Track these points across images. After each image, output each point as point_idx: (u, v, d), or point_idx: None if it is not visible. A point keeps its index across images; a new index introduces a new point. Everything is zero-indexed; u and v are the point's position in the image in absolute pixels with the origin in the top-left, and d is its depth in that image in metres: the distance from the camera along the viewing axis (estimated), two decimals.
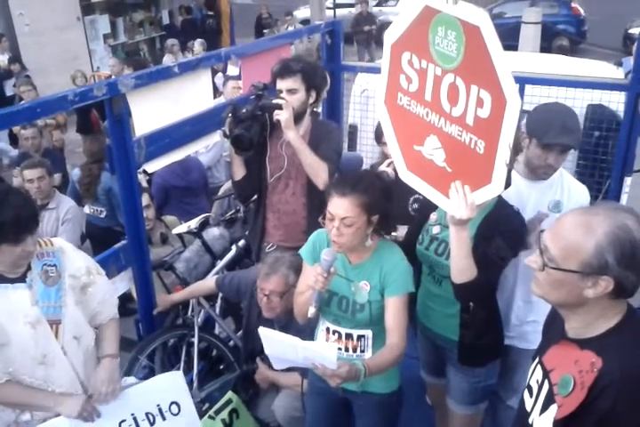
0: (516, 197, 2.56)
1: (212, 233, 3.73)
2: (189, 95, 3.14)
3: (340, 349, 2.39)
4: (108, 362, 2.44)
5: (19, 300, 2.23)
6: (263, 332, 2.27)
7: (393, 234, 2.61)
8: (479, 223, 2.33)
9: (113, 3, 12.67)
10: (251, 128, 2.96)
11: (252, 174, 3.17)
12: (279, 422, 3.07)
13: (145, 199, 3.67)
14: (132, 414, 2.45)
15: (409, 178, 2.34)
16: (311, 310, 2.23)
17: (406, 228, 2.73)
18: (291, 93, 3.01)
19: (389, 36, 2.27)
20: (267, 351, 2.36)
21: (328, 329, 2.44)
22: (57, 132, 6.91)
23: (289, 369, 2.83)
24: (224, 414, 3.01)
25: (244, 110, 2.98)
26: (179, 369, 3.15)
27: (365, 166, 4.08)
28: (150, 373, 3.10)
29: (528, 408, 1.64)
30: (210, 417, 2.95)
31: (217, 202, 4.45)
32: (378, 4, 17.47)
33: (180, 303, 3.40)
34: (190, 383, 3.08)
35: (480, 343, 2.50)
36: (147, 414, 2.48)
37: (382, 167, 3.02)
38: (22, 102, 5.96)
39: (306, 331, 2.54)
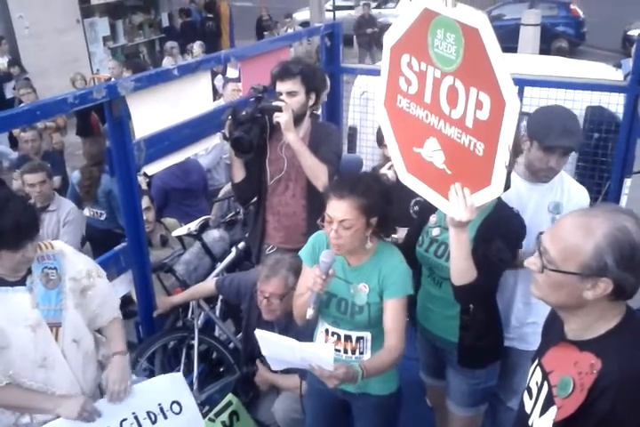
0: (517, 200, 2.56)
1: (212, 235, 3.73)
2: (189, 98, 3.14)
3: (338, 351, 2.39)
4: (117, 360, 2.46)
5: (19, 303, 2.23)
6: (259, 334, 2.27)
7: (394, 236, 2.61)
8: (479, 225, 2.33)
9: (112, 5, 12.67)
10: (250, 130, 2.96)
11: (251, 177, 3.17)
12: (279, 425, 3.07)
13: (145, 202, 3.67)
14: (134, 413, 2.46)
15: (408, 180, 2.34)
16: (309, 312, 2.23)
17: (406, 230, 2.74)
18: (290, 96, 3.01)
19: (389, 39, 2.27)
20: (264, 353, 2.36)
21: (327, 331, 2.44)
22: (57, 134, 6.91)
23: (288, 371, 2.83)
24: (224, 417, 3.01)
25: (243, 113, 2.98)
26: (179, 371, 3.15)
27: (365, 168, 4.09)
28: (150, 375, 3.10)
29: (528, 410, 1.64)
30: (210, 420, 2.95)
31: (217, 204, 4.45)
32: (377, 7, 17.49)
33: (180, 306, 3.40)
34: (190, 386, 3.07)
35: (480, 345, 2.50)
36: (148, 412, 2.50)
37: (384, 170, 3.03)
38: (22, 105, 5.95)
39: (306, 333, 2.54)
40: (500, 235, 2.28)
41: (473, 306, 2.42)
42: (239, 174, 3.15)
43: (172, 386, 2.61)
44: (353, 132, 4.65)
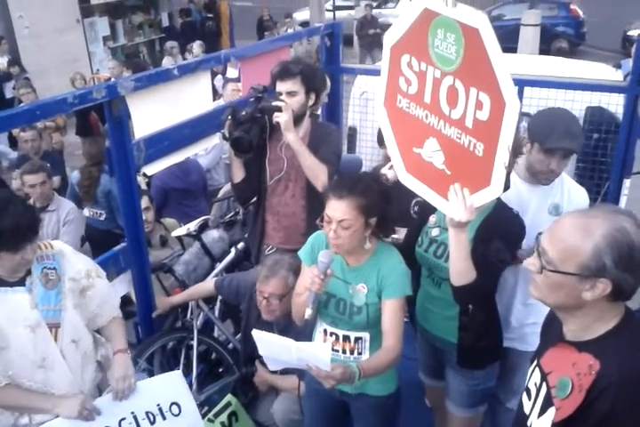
0: (517, 201, 2.55)
1: (212, 235, 3.73)
2: (189, 98, 3.14)
3: (337, 351, 2.39)
4: (119, 358, 2.47)
5: (18, 303, 2.23)
6: (256, 334, 2.27)
7: (394, 237, 2.60)
8: (478, 226, 2.33)
9: (112, 5, 12.67)
10: (250, 130, 2.96)
11: (251, 177, 3.17)
12: (278, 425, 3.06)
13: (144, 202, 3.67)
14: (132, 413, 2.46)
15: (408, 180, 2.34)
16: (308, 312, 2.23)
17: (406, 230, 2.73)
18: (290, 96, 3.01)
19: (389, 39, 2.27)
20: (261, 353, 2.36)
21: (325, 331, 2.44)
22: (56, 134, 6.91)
23: (287, 372, 2.83)
24: (223, 417, 3.00)
25: (243, 113, 2.98)
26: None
27: (365, 169, 4.08)
28: (149, 376, 3.09)
29: (526, 411, 1.64)
30: (209, 420, 2.95)
31: (216, 204, 4.45)
32: (377, 7, 17.47)
33: (180, 306, 3.40)
34: (189, 386, 3.07)
35: (479, 346, 2.49)
36: (147, 413, 2.50)
37: (384, 170, 3.03)
38: (22, 105, 5.95)
39: (305, 333, 2.54)
40: (499, 235, 2.28)
41: (472, 307, 2.42)
42: (239, 174, 3.14)
43: (171, 386, 2.61)
44: (353, 133, 4.65)
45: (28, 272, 2.27)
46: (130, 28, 13.41)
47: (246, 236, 3.66)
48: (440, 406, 2.84)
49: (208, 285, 3.34)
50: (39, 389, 2.29)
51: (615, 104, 3.70)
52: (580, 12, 15.37)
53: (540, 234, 1.54)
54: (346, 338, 2.39)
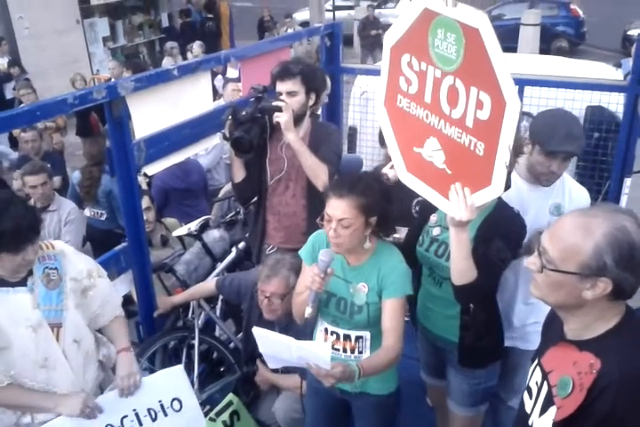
0: (518, 201, 2.55)
1: (213, 235, 3.74)
2: (189, 98, 3.14)
3: (337, 350, 2.40)
4: (123, 357, 2.48)
5: (20, 303, 2.24)
6: (257, 331, 2.28)
7: (395, 236, 2.61)
8: (479, 225, 2.33)
9: (112, 6, 12.67)
10: (250, 130, 2.96)
11: (251, 177, 3.17)
12: (279, 424, 3.07)
13: (145, 202, 3.67)
14: (134, 410, 2.47)
15: (409, 180, 2.35)
16: (308, 311, 2.24)
17: (407, 230, 2.74)
18: (290, 96, 3.01)
19: (389, 39, 2.27)
20: (261, 351, 2.37)
21: (326, 330, 2.44)
22: (57, 134, 6.92)
23: (289, 371, 2.84)
24: (225, 416, 3.01)
25: (243, 113, 2.98)
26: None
27: (365, 168, 4.09)
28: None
29: (528, 410, 1.64)
30: (211, 419, 2.95)
31: (217, 204, 4.45)
32: (377, 7, 17.48)
33: (181, 306, 3.40)
34: (191, 385, 3.08)
35: (480, 345, 2.50)
36: (148, 409, 2.51)
37: (385, 169, 3.03)
38: (22, 105, 5.95)
39: (306, 333, 2.54)
40: (500, 235, 2.28)
41: (473, 306, 2.42)
42: (239, 174, 3.15)
43: (172, 381, 2.62)
44: (353, 133, 4.65)
45: (30, 272, 2.27)
46: (130, 29, 13.41)
47: (247, 235, 3.66)
48: (441, 406, 2.84)
49: (209, 284, 3.34)
50: (41, 388, 2.29)
51: (615, 103, 3.70)
52: (580, 12, 15.38)
53: (540, 233, 1.54)
54: (346, 337, 2.40)
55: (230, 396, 3.10)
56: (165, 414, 2.54)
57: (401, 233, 2.77)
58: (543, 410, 1.55)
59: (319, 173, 2.98)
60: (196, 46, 9.62)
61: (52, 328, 2.27)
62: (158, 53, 13.57)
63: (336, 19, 13.83)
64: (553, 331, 1.65)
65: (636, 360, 1.43)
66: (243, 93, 3.79)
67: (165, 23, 14.37)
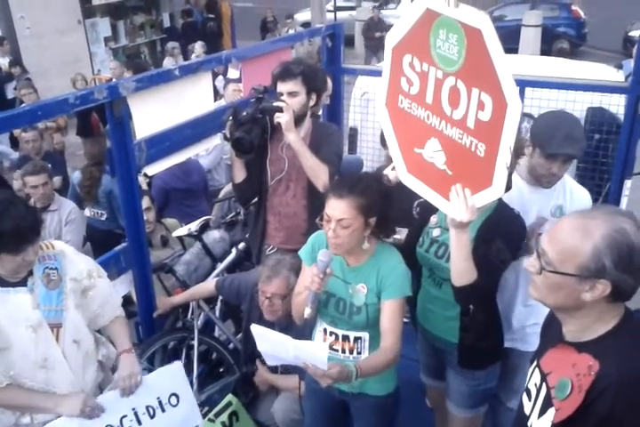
0: (519, 203, 2.55)
1: (213, 236, 3.73)
2: (190, 98, 3.14)
3: (336, 350, 2.40)
4: (124, 358, 2.48)
5: (20, 303, 2.24)
6: (255, 329, 2.28)
7: (395, 237, 2.60)
8: (479, 226, 2.33)
9: (114, 6, 12.67)
10: (251, 131, 2.96)
11: (252, 177, 3.17)
12: (278, 425, 3.06)
13: (145, 202, 3.67)
14: (134, 409, 2.48)
15: (409, 180, 2.34)
16: (307, 311, 2.24)
17: (407, 231, 2.73)
18: (291, 96, 3.01)
19: (391, 39, 2.27)
20: (260, 348, 2.37)
21: (325, 330, 2.44)
22: (57, 135, 6.92)
23: (288, 372, 2.83)
24: (224, 417, 3.01)
25: (244, 113, 2.98)
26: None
27: (366, 169, 4.08)
28: None
29: (527, 412, 1.64)
30: (210, 420, 2.95)
31: (217, 205, 4.46)
32: (379, 7, 17.48)
33: (180, 306, 3.40)
34: (190, 386, 3.07)
35: (480, 346, 2.49)
36: (147, 407, 2.51)
37: (387, 170, 3.03)
38: (23, 105, 5.96)
39: (306, 333, 2.54)
40: (500, 235, 2.28)
41: (473, 307, 2.42)
42: (240, 175, 3.15)
43: (170, 377, 2.63)
44: (354, 133, 4.65)
45: (30, 272, 2.27)
46: (131, 29, 13.41)
47: (247, 236, 3.66)
48: (441, 407, 2.84)
49: (209, 285, 3.34)
50: (41, 389, 2.29)
51: (616, 105, 3.69)
52: (582, 13, 15.36)
53: (539, 235, 1.54)
54: (345, 338, 2.40)
55: (229, 397, 3.10)
56: (163, 411, 2.55)
57: (401, 234, 2.77)
58: (542, 412, 1.55)
59: (320, 174, 2.98)
60: (198, 46, 9.66)
61: (52, 328, 2.27)
62: (159, 54, 13.57)
63: (337, 19, 13.80)
64: (552, 333, 1.65)
65: (635, 362, 1.42)
66: (244, 94, 3.79)
67: (167, 23, 14.36)
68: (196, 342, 3.30)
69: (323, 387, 2.17)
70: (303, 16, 16.89)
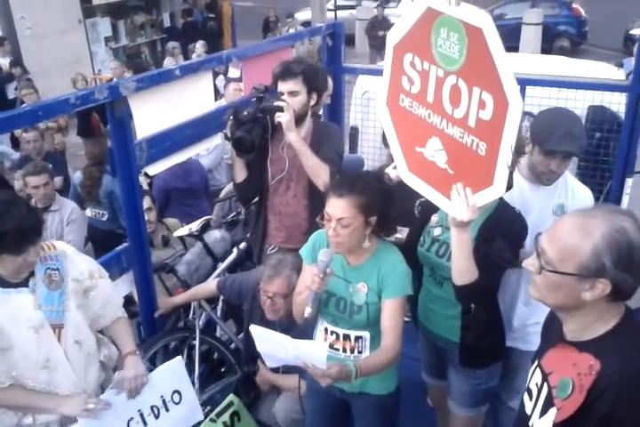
0: (521, 201, 2.55)
1: (214, 236, 3.73)
2: (191, 98, 3.14)
3: (337, 349, 2.40)
4: (130, 360, 2.47)
5: (22, 304, 2.24)
6: (254, 329, 2.28)
7: (397, 236, 2.60)
8: (480, 225, 2.32)
9: (114, 5, 12.66)
10: (252, 130, 2.96)
11: (253, 177, 3.17)
12: (280, 425, 3.07)
13: (146, 202, 3.67)
14: (139, 411, 2.48)
15: (410, 179, 2.34)
16: (307, 310, 2.23)
17: (408, 230, 2.73)
18: (292, 96, 3.01)
19: (392, 38, 2.27)
20: (259, 349, 2.37)
21: (326, 330, 2.44)
22: (58, 135, 6.91)
23: (289, 371, 2.83)
24: (225, 417, 3.00)
25: (245, 113, 2.98)
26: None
27: (367, 168, 4.08)
28: None
29: (528, 411, 1.64)
30: (211, 420, 2.94)
31: (218, 204, 4.45)
32: (379, 6, 17.46)
33: (182, 306, 3.40)
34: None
35: (481, 345, 2.49)
36: (152, 407, 2.51)
37: (388, 169, 3.02)
38: (24, 105, 5.96)
39: (307, 333, 2.54)
40: (501, 235, 2.27)
41: (474, 306, 2.42)
42: (241, 174, 3.15)
43: (172, 374, 2.62)
44: (354, 132, 4.65)
45: (32, 273, 2.27)
46: (132, 29, 13.41)
47: (248, 236, 3.66)
48: (442, 406, 2.84)
49: (210, 285, 3.34)
50: (43, 389, 2.29)
51: (617, 103, 3.69)
52: (582, 11, 15.35)
53: (539, 234, 1.54)
54: (346, 337, 2.40)
55: (231, 396, 3.09)
56: (167, 409, 2.55)
57: (402, 233, 2.77)
58: (543, 411, 1.54)
59: (320, 173, 2.98)
60: (199, 46, 9.66)
61: (54, 329, 2.27)
62: (160, 53, 13.57)
63: (338, 18, 13.78)
64: (552, 332, 1.65)
65: (636, 361, 1.42)
66: (244, 93, 3.79)
67: (167, 23, 14.35)
68: (197, 342, 3.30)
69: (323, 387, 2.17)
70: (303, 15, 16.88)
